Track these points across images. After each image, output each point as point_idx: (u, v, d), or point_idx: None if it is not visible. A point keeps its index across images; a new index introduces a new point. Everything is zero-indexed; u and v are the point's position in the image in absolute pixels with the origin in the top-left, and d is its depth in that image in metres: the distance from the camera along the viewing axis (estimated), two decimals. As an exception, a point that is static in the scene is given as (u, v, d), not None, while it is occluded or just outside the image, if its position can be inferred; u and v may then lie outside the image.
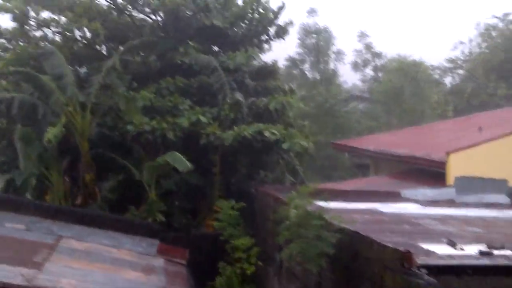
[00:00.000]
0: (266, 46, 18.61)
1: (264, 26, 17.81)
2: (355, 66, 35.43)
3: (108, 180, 14.70)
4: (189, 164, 14.10)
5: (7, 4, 16.80)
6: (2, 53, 17.48)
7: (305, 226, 8.55)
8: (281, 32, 18.20)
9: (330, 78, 32.18)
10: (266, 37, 18.08)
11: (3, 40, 17.56)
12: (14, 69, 15.50)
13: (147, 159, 15.09)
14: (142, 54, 17.35)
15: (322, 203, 10.27)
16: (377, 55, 34.95)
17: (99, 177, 14.73)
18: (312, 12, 33.87)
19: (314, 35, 33.28)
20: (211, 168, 15.64)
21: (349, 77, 34.76)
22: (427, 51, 36.29)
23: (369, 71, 35.62)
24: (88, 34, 17.33)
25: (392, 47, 35.89)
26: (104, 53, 17.70)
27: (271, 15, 17.80)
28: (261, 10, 17.65)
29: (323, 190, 15.49)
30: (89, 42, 17.45)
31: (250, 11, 17.56)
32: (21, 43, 17.42)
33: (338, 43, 33.79)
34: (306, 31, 32.72)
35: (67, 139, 14.40)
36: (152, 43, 16.83)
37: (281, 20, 18.04)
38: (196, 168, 15.20)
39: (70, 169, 14.79)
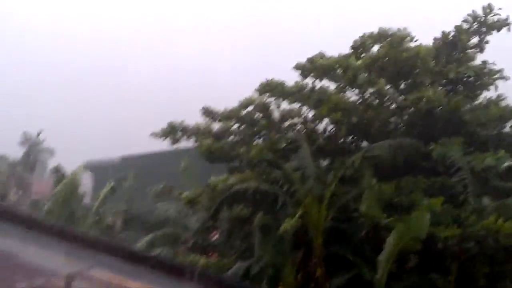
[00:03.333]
0: None
1: None
2: None
3: (337, 277, 14.57)
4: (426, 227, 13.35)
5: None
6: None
7: None
8: None
9: None
10: None
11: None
12: (262, 158, 16.41)
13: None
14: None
15: None
16: None
17: (328, 272, 14.71)
18: None
19: None
20: (446, 275, 14.66)
21: None
22: None
23: None
24: (331, 128, 17.71)
25: None
26: (345, 147, 17.92)
27: None
28: None
29: None
30: (332, 136, 17.89)
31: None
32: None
33: None
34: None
35: (302, 231, 14.74)
36: (400, 144, 16.22)
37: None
38: (429, 273, 14.41)
39: (303, 262, 15.00)
